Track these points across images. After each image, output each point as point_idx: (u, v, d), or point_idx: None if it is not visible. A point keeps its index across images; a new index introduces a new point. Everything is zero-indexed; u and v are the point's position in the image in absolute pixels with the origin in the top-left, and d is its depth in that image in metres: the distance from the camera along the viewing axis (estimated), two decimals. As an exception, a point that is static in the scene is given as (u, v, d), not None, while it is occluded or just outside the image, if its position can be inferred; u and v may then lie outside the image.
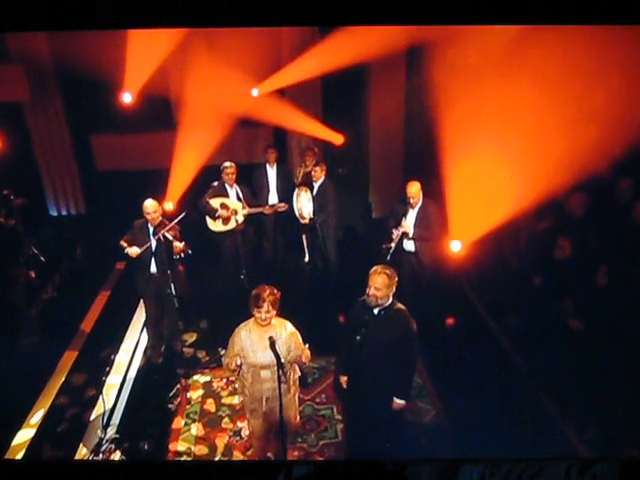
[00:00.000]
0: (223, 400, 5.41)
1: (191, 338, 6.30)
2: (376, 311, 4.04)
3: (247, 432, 4.84)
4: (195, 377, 5.71)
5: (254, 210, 6.69)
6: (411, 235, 5.84)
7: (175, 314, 5.72)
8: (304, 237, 7.49)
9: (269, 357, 3.94)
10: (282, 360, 3.86)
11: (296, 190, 6.68)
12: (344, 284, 6.60)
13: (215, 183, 6.60)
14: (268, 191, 7.10)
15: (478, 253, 5.95)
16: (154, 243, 5.50)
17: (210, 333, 6.34)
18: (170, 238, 5.48)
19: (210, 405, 5.35)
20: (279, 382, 3.92)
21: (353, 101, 8.13)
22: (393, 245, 5.82)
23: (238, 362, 3.97)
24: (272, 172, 7.16)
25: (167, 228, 5.51)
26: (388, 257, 5.79)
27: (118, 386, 5.63)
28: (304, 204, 6.63)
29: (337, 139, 7.82)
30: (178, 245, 5.49)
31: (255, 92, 7.87)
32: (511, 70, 5.94)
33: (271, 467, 2.50)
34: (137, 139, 8.46)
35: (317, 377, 5.60)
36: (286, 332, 4.07)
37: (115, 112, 7.76)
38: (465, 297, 6.70)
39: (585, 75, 5.61)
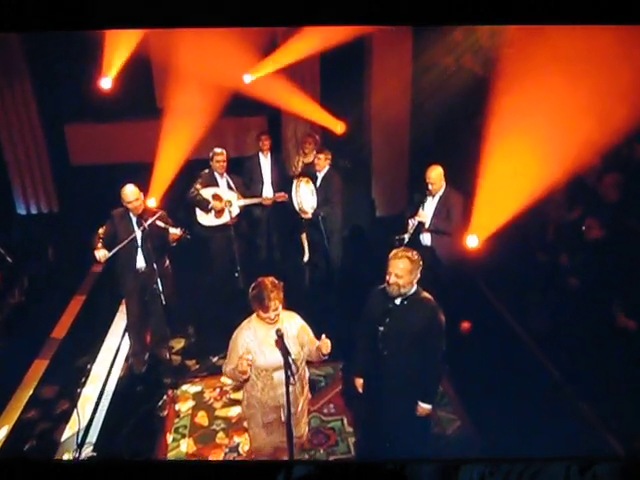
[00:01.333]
0: (217, 412, 5.02)
1: (178, 344, 5.92)
2: (398, 301, 3.72)
3: (246, 448, 4.46)
4: (184, 387, 5.33)
5: (251, 201, 6.33)
6: (428, 226, 5.51)
7: (162, 315, 5.33)
8: (304, 235, 7.14)
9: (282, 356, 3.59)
10: (292, 357, 3.49)
11: (295, 181, 6.26)
12: (347, 285, 6.36)
13: (205, 171, 6.23)
14: (262, 183, 6.75)
15: (500, 248, 5.70)
16: (139, 234, 5.11)
17: (200, 339, 5.99)
18: (162, 226, 5.11)
19: (202, 418, 4.95)
20: (287, 384, 3.53)
21: (352, 84, 7.83)
22: (407, 236, 5.47)
23: (249, 361, 3.55)
24: (266, 162, 6.81)
25: (157, 216, 5.14)
26: (401, 249, 5.46)
27: (95, 399, 5.24)
28: (306, 197, 6.23)
29: (338, 127, 7.51)
30: (175, 232, 5.14)
31: (248, 78, 7.57)
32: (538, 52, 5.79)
33: (271, 467, 2.47)
34: (116, 129, 8.11)
35: (323, 386, 5.25)
36: (296, 325, 3.73)
37: (92, 99, 7.35)
38: (485, 297, 6.37)
39: (612, 54, 5.43)
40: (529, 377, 5.06)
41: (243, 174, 6.68)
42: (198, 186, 6.11)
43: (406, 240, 5.48)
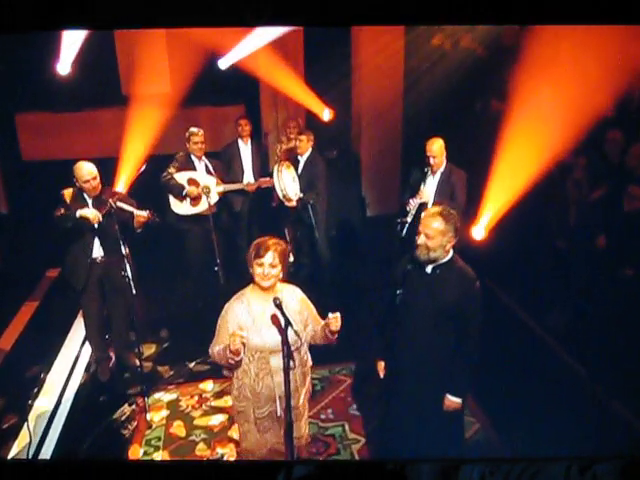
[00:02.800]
0: (196, 422, 4.56)
1: (149, 350, 5.48)
2: (429, 269, 3.39)
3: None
4: (156, 395, 4.87)
5: (231, 187, 5.94)
6: (431, 206, 5.20)
7: (126, 314, 4.91)
8: (286, 230, 6.77)
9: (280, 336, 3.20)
10: (295, 327, 3.10)
11: (276, 166, 5.91)
12: (338, 286, 6.05)
13: (180, 154, 5.84)
14: (242, 171, 6.38)
15: (512, 236, 5.46)
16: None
17: (175, 343, 5.58)
18: (127, 208, 4.69)
19: (178, 428, 4.48)
20: (286, 368, 3.12)
21: (338, 62, 7.59)
22: (409, 219, 5.18)
23: (243, 338, 3.12)
24: (246, 148, 6.45)
25: (119, 196, 4.75)
26: (404, 233, 5.17)
27: (50, 411, 4.74)
28: (288, 183, 5.90)
29: (324, 113, 7.22)
30: (141, 214, 4.72)
31: (224, 63, 7.29)
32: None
33: (271, 467, 2.51)
34: (75, 119, 7.70)
35: (319, 389, 4.84)
36: (297, 299, 3.35)
37: (47, 85, 6.98)
38: (495, 290, 6.07)
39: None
40: (549, 374, 4.82)
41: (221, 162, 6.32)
42: (172, 170, 5.71)
43: (409, 222, 5.21)
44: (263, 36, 6.96)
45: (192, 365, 5.19)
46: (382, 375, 3.61)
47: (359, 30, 7.60)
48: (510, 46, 6.55)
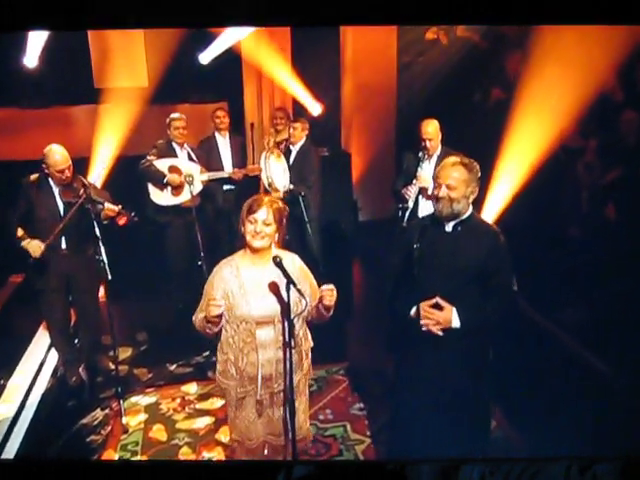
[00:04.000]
0: (179, 425, 4.27)
1: (125, 353, 5.18)
2: (450, 226, 3.18)
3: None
4: (133, 399, 4.57)
5: (216, 175, 5.74)
6: (431, 192, 5.05)
7: (94, 311, 4.71)
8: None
9: (271, 305, 3.02)
10: (298, 286, 2.88)
11: (264, 153, 5.73)
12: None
13: (160, 141, 5.65)
14: (221, 167, 6.14)
15: (520, 226, 5.32)
16: (62, 208, 4.45)
17: (155, 345, 5.34)
18: (98, 200, 4.45)
19: (159, 432, 4.19)
20: (288, 340, 2.94)
21: (325, 54, 7.55)
22: (411, 204, 5.04)
23: (219, 310, 2.91)
24: (224, 142, 6.22)
25: (92, 187, 4.54)
26: (405, 220, 5.00)
27: (10, 418, 4.40)
28: (277, 173, 5.71)
29: (313, 107, 7.12)
30: (111, 208, 4.47)
31: (205, 58, 7.20)
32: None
33: (271, 467, 2.60)
34: (42, 116, 7.45)
35: (316, 390, 4.57)
36: (295, 267, 3.12)
37: (13, 79, 6.79)
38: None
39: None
40: (566, 371, 4.66)
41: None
42: (151, 156, 5.51)
43: (410, 208, 5.06)
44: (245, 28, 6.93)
45: (173, 367, 4.95)
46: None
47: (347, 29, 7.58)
48: (509, 33, 6.55)
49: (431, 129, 5.04)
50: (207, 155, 6.03)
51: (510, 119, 5.68)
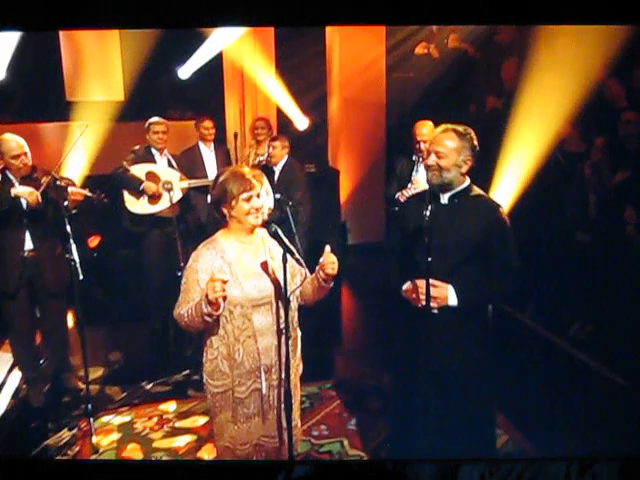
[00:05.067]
0: (156, 444, 4.02)
1: (95, 373, 4.93)
2: (445, 198, 3.11)
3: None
4: (104, 418, 4.31)
5: (197, 182, 5.57)
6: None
7: (62, 322, 4.53)
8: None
9: (266, 284, 2.86)
10: (292, 247, 2.80)
11: None
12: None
13: (137, 147, 5.51)
14: (206, 177, 6.02)
15: (524, 230, 5.24)
16: (24, 202, 4.25)
17: (130, 363, 5.15)
18: (63, 185, 4.31)
19: (133, 452, 3.94)
20: (287, 318, 2.81)
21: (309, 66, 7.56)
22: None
23: (223, 283, 2.64)
24: (209, 153, 6.11)
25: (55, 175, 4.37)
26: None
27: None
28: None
29: (299, 121, 7.08)
30: (78, 191, 4.34)
31: (184, 72, 7.20)
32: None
33: (271, 467, 2.74)
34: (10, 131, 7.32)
35: (308, 406, 4.37)
36: (283, 267, 2.89)
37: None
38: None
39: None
40: (577, 382, 4.60)
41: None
42: (127, 162, 5.34)
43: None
44: (224, 40, 6.97)
45: (149, 386, 4.71)
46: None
47: (333, 39, 7.63)
48: (503, 41, 6.61)
49: (426, 130, 4.97)
50: (190, 165, 5.89)
51: (508, 127, 5.68)
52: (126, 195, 5.37)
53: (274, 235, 2.77)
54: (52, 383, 4.63)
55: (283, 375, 2.88)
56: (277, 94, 7.14)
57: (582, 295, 5.19)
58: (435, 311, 2.98)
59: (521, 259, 3.09)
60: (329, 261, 2.80)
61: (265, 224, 2.82)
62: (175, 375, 4.81)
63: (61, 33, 6.99)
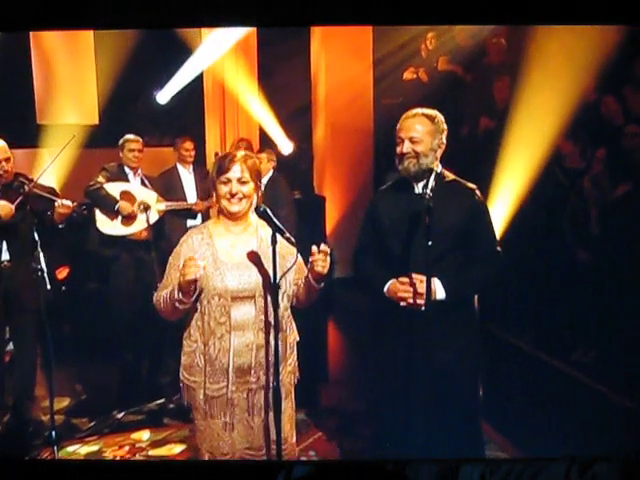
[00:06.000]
0: (127, 472, 3.78)
1: (61, 404, 4.77)
2: (419, 187, 3.07)
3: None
4: (70, 448, 4.14)
5: (175, 205, 5.47)
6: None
7: (32, 340, 4.33)
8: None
9: (250, 277, 2.79)
10: (287, 235, 2.70)
11: None
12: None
13: (110, 164, 5.42)
14: (184, 202, 5.93)
15: (521, 250, 5.22)
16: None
17: (98, 393, 4.97)
18: (47, 196, 4.24)
19: (101, 481, 3.69)
20: (276, 308, 2.69)
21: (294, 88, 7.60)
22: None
23: (198, 273, 2.61)
24: (188, 175, 6.01)
25: (36, 183, 4.29)
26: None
27: None
28: None
29: (284, 146, 7.06)
30: (66, 203, 4.21)
31: (163, 97, 7.22)
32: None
33: (271, 467, 2.74)
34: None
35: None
36: (278, 238, 2.83)
37: None
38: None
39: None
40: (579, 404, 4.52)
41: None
42: (101, 179, 5.23)
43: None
44: (205, 61, 7.03)
45: (121, 415, 4.54)
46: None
47: (319, 61, 7.70)
48: (494, 62, 6.70)
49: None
50: (168, 187, 5.78)
51: (502, 147, 5.71)
52: (98, 214, 5.23)
53: (263, 215, 2.71)
54: (14, 411, 4.41)
55: (270, 377, 2.76)
56: (260, 116, 7.13)
57: (585, 318, 5.15)
58: (422, 308, 2.91)
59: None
60: (319, 259, 2.71)
61: (256, 209, 2.77)
62: (149, 404, 4.64)
63: (33, 52, 6.99)
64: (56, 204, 4.22)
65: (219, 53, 7.02)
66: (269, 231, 2.79)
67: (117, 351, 5.23)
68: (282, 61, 7.37)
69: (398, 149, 3.03)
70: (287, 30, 6.94)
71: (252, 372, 2.77)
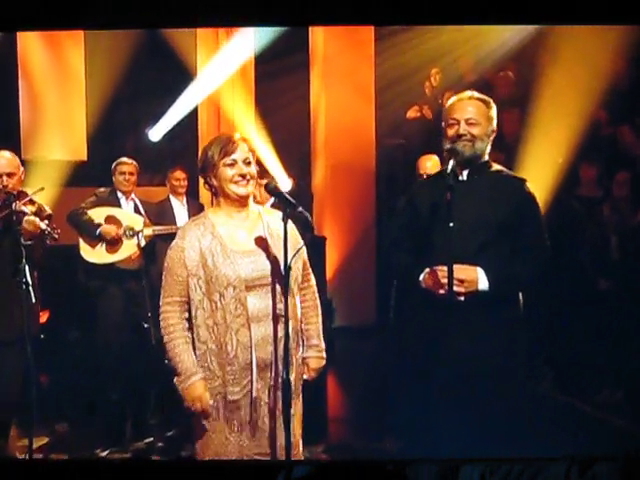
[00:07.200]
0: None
1: (40, 441, 4.62)
2: (465, 174, 3.07)
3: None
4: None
5: (164, 229, 5.43)
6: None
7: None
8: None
9: (262, 264, 2.76)
10: (299, 207, 2.68)
11: None
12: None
13: (101, 189, 5.42)
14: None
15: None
16: None
17: (81, 430, 4.86)
18: (27, 212, 4.16)
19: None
20: (285, 298, 2.68)
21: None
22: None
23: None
24: (181, 208, 6.07)
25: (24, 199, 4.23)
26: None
27: None
28: None
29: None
30: (39, 224, 4.14)
31: (155, 134, 7.32)
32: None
33: (271, 467, 2.82)
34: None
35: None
36: (281, 225, 2.81)
37: None
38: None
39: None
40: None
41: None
42: (86, 204, 5.23)
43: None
44: (199, 95, 7.15)
45: (105, 453, 4.42)
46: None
47: (319, 98, 7.83)
48: (502, 96, 6.82)
49: (430, 164, 5.00)
50: (160, 219, 5.80)
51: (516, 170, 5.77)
52: (81, 242, 5.22)
53: (273, 191, 2.74)
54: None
55: (281, 373, 2.68)
56: (257, 152, 7.21)
57: (609, 354, 5.07)
58: (461, 298, 2.89)
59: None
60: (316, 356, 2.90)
61: (266, 185, 2.82)
62: (136, 442, 4.55)
63: (20, 82, 7.11)
64: (25, 219, 4.17)
65: (215, 86, 7.15)
66: (274, 216, 2.84)
67: (103, 390, 5.15)
68: (280, 97, 7.45)
69: (451, 131, 3.02)
70: (286, 63, 7.12)
71: (269, 368, 2.73)
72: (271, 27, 6.50)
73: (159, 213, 5.91)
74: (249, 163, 2.76)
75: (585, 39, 5.88)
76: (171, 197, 6.08)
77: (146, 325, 4.86)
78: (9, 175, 4.16)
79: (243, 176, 2.73)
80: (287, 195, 2.68)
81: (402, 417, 3.33)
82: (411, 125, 7.72)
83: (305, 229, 2.96)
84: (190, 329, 2.74)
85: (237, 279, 2.68)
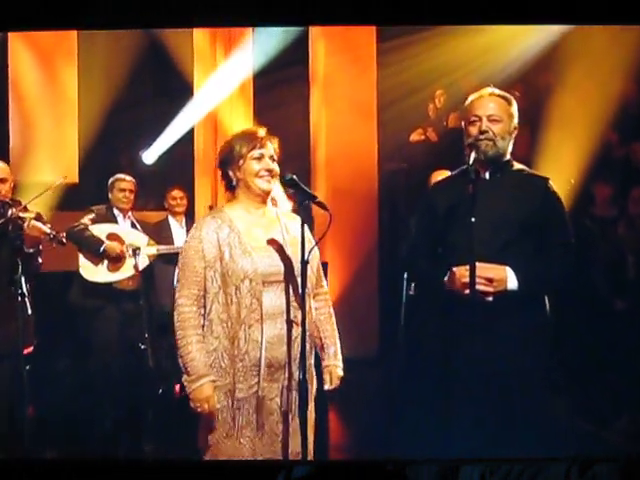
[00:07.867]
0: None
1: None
2: (487, 174, 3.11)
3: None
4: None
5: (167, 249, 5.42)
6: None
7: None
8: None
9: (278, 260, 2.84)
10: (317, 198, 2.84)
11: None
12: None
13: (97, 206, 5.41)
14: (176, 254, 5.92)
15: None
16: None
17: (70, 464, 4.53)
18: (26, 218, 4.25)
19: None
20: (302, 293, 2.75)
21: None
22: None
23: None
24: (179, 228, 6.09)
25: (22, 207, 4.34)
26: (412, 289, 4.89)
27: None
28: None
29: (282, 204, 7.07)
30: (42, 228, 4.24)
31: (149, 157, 7.34)
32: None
33: (271, 467, 2.89)
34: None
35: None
36: (298, 228, 2.88)
37: None
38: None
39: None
40: None
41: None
42: (86, 220, 5.22)
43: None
44: (195, 116, 7.21)
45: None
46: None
47: (319, 117, 7.87)
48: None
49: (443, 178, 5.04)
50: (158, 238, 5.80)
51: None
52: (81, 260, 5.19)
53: (290, 182, 2.79)
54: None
55: (294, 375, 2.76)
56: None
57: (630, 379, 5.03)
58: (490, 298, 2.89)
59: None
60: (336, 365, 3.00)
61: (283, 177, 2.84)
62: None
63: (11, 103, 7.11)
64: (26, 224, 4.17)
65: (212, 107, 7.20)
66: (293, 220, 2.95)
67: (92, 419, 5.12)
68: (279, 114, 7.48)
69: (473, 128, 3.05)
70: (285, 77, 7.19)
71: (282, 367, 2.77)
72: (271, 27, 6.58)
73: (157, 233, 5.91)
74: (274, 160, 2.86)
75: (593, 59, 6.00)
76: (170, 218, 6.09)
77: (143, 346, 4.86)
78: (1, 181, 4.19)
79: (269, 171, 2.83)
80: (304, 187, 2.78)
81: (409, 420, 3.58)
82: (415, 148, 7.76)
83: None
84: (204, 326, 2.77)
85: (254, 272, 2.74)
